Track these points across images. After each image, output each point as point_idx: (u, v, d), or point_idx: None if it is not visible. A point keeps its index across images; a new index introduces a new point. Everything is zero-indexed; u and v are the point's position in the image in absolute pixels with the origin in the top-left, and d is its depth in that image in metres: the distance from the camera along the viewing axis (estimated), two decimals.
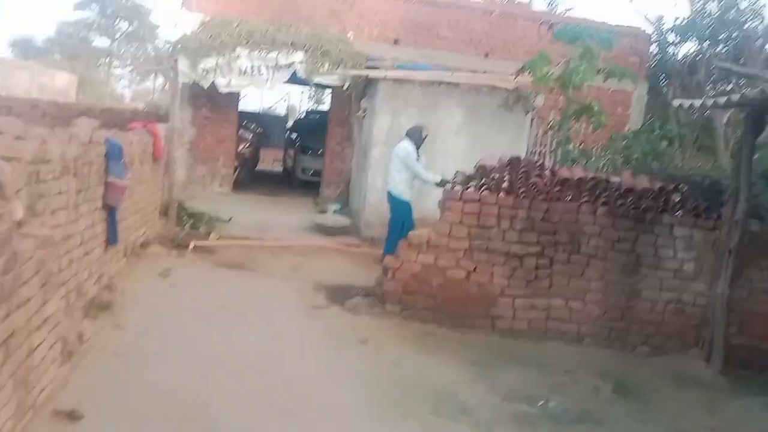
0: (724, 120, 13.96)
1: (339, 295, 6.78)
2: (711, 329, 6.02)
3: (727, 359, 5.92)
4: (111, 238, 5.92)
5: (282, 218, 10.28)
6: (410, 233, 6.49)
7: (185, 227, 8.82)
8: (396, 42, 12.80)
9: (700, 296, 6.18)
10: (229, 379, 4.58)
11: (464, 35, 13.31)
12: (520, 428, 4.46)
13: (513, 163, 6.44)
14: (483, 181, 6.36)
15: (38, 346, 3.56)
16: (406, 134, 7.90)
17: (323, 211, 10.78)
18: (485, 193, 6.26)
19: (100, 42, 35.98)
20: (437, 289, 6.23)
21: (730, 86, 15.39)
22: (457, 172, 6.66)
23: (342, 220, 10.16)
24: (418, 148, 7.78)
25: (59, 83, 24.26)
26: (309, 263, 8.21)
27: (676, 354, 6.08)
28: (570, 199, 6.29)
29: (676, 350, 6.13)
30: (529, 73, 9.84)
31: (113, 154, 5.65)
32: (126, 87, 32.87)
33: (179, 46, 10.23)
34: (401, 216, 7.65)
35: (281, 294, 6.82)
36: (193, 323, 5.62)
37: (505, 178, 6.35)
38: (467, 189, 6.30)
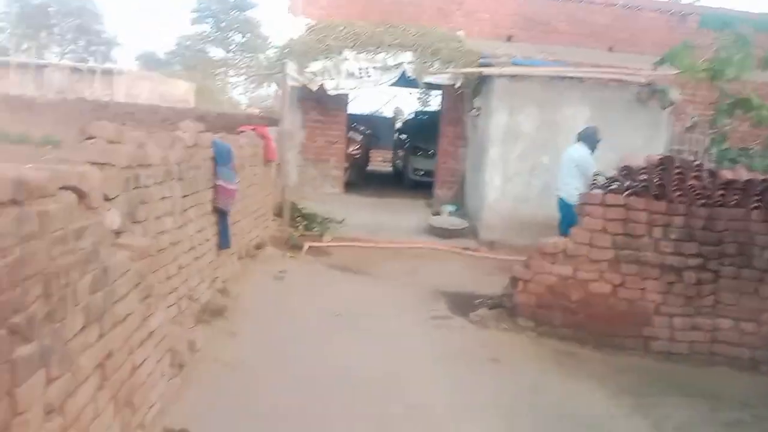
0: None
1: (461, 304, 6.19)
2: None
3: None
4: (223, 242, 5.69)
5: (394, 219, 9.84)
6: (541, 241, 5.78)
7: (299, 228, 8.57)
8: (509, 38, 12.05)
9: None
10: (345, 404, 4.07)
11: (584, 29, 12.34)
12: None
13: (665, 163, 5.55)
14: (628, 183, 5.52)
15: (143, 362, 3.19)
16: (579, 137, 7.24)
17: (437, 213, 10.22)
18: (632, 197, 5.44)
19: (216, 53, 38.22)
20: (577, 304, 5.48)
21: None
22: (597, 173, 5.88)
23: (458, 222, 9.53)
24: (592, 151, 7.09)
25: (178, 91, 25.70)
26: (424, 267, 7.72)
27: None
28: (736, 205, 5.36)
29: None
30: (670, 65, 8.84)
31: (221, 157, 5.42)
32: (242, 94, 34.25)
33: (286, 50, 10.23)
34: (574, 223, 6.94)
35: (398, 300, 6.34)
36: (308, 333, 5.22)
37: (655, 181, 5.49)
38: (610, 192, 5.51)
